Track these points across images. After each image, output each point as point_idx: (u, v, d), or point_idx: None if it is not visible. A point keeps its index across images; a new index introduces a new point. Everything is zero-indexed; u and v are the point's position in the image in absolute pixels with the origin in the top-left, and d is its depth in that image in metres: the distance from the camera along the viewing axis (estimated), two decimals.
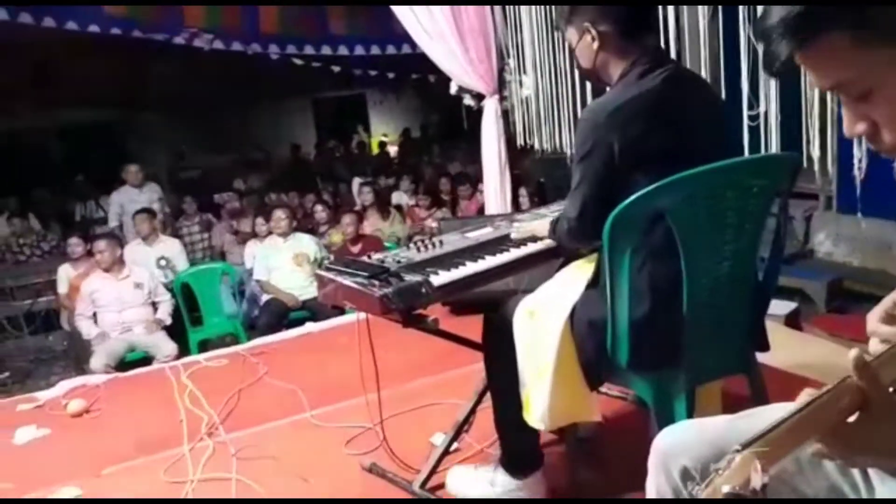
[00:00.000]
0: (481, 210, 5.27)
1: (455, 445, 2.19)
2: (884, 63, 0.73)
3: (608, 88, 1.71)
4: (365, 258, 2.02)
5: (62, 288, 5.36)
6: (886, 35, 0.72)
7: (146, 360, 4.26)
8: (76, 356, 5.24)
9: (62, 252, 6.06)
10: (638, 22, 1.69)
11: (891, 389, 0.74)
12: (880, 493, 0.92)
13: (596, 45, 1.67)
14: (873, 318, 0.96)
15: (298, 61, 7.47)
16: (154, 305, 4.61)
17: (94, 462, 2.48)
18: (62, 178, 9.39)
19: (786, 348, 2.56)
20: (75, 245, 5.28)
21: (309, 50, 7.54)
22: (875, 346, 0.97)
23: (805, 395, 0.73)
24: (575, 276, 1.77)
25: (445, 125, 12.32)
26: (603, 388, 2.28)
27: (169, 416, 2.77)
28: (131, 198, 6.13)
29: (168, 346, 4.31)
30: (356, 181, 7.92)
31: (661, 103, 1.55)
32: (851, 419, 0.71)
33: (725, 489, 0.59)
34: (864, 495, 0.97)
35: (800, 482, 1.00)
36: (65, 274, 5.33)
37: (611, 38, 1.66)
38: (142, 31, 6.72)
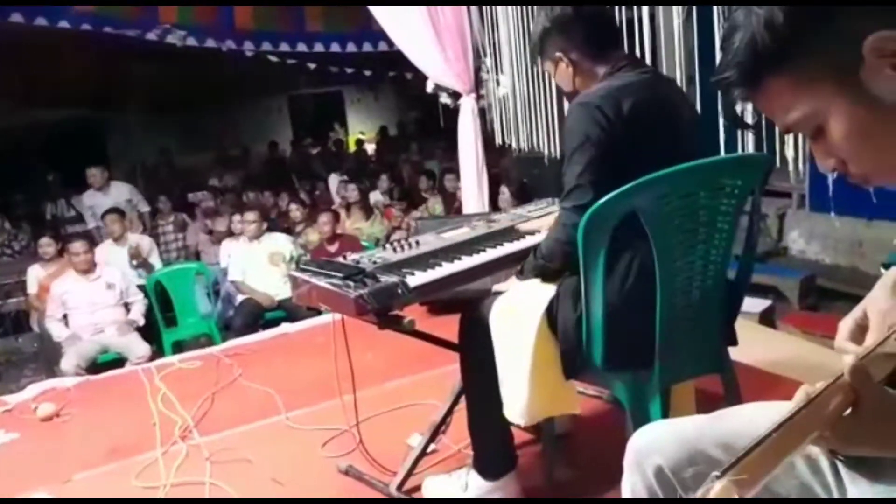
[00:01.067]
0: (459, 210, 5.25)
1: (432, 447, 2.18)
2: (825, 99, 0.74)
3: None
4: (340, 259, 2.00)
5: (32, 289, 5.25)
6: (820, 72, 0.73)
7: (119, 361, 4.19)
8: (46, 358, 5.13)
9: (32, 252, 5.94)
10: (603, 40, 1.77)
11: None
12: (851, 493, 0.93)
13: (570, 70, 1.77)
14: (842, 334, 0.96)
15: (274, 58, 7.39)
16: (126, 306, 4.54)
17: (65, 467, 2.43)
18: (33, 177, 9.21)
19: (760, 346, 2.58)
20: (46, 245, 5.17)
21: (285, 47, 7.47)
22: (848, 361, 0.98)
23: (795, 403, 0.74)
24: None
25: (423, 123, 12.29)
26: (579, 388, 2.29)
27: (141, 420, 2.72)
28: (96, 200, 6.04)
29: (141, 348, 4.25)
30: (333, 178, 7.86)
31: (642, 98, 1.59)
32: (845, 414, 0.73)
33: None
34: (836, 495, 0.98)
35: (771, 482, 1.00)
36: (34, 274, 5.22)
37: (582, 60, 1.75)
38: (114, 28, 6.61)
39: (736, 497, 0.61)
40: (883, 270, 0.97)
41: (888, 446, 0.78)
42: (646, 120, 1.58)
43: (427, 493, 1.98)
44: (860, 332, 0.93)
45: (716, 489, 0.61)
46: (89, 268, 4.40)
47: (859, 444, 0.75)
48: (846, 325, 0.94)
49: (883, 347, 0.82)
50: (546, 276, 1.73)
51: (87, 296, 4.39)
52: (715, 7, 3.06)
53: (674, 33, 3.26)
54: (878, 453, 0.83)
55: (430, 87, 4.07)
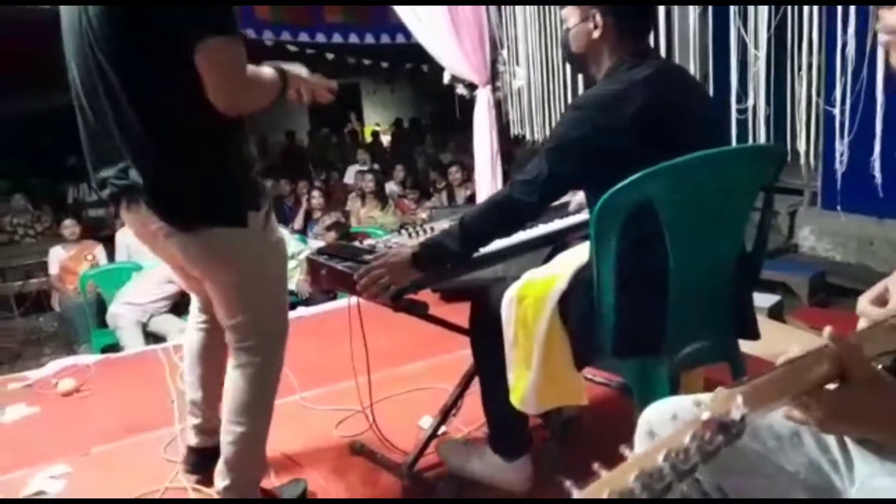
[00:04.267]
0: (473, 199, 5.29)
1: (443, 429, 2.22)
2: None
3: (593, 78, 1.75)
4: (356, 243, 2.05)
5: (53, 269, 5.37)
6: None
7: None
8: (67, 338, 5.24)
9: (55, 234, 6.05)
10: (642, 22, 1.73)
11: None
12: (860, 469, 0.94)
13: (596, 33, 1.68)
14: (864, 300, 1.00)
15: (293, 48, 7.44)
16: None
17: (83, 440, 2.50)
18: (56, 160, 9.33)
19: (769, 339, 2.60)
20: (72, 227, 5.28)
21: (303, 37, 7.52)
22: (864, 327, 1.01)
23: (785, 357, 0.76)
24: (565, 263, 1.80)
25: (439, 115, 12.32)
26: (588, 374, 2.33)
27: (160, 397, 2.79)
28: None
29: (180, 323, 4.34)
30: (353, 169, 7.91)
31: (647, 98, 1.57)
32: (831, 387, 0.74)
33: (705, 416, 0.62)
34: (844, 472, 0.99)
35: (780, 458, 1.03)
36: (56, 256, 5.33)
37: (611, 31, 1.66)
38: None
39: (739, 402, 0.63)
40: None
41: (873, 427, 0.78)
42: (658, 116, 1.57)
43: (443, 449, 2.04)
44: (879, 303, 0.96)
45: (721, 395, 0.65)
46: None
47: (845, 420, 0.76)
48: (867, 295, 0.97)
49: (894, 320, 0.85)
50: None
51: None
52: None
53: (689, 29, 3.27)
54: (862, 433, 0.84)
55: (446, 79, 4.11)
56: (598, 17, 1.66)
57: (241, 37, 1.54)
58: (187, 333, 2.08)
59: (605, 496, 0.59)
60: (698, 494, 1.09)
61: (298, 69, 1.81)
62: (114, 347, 4.37)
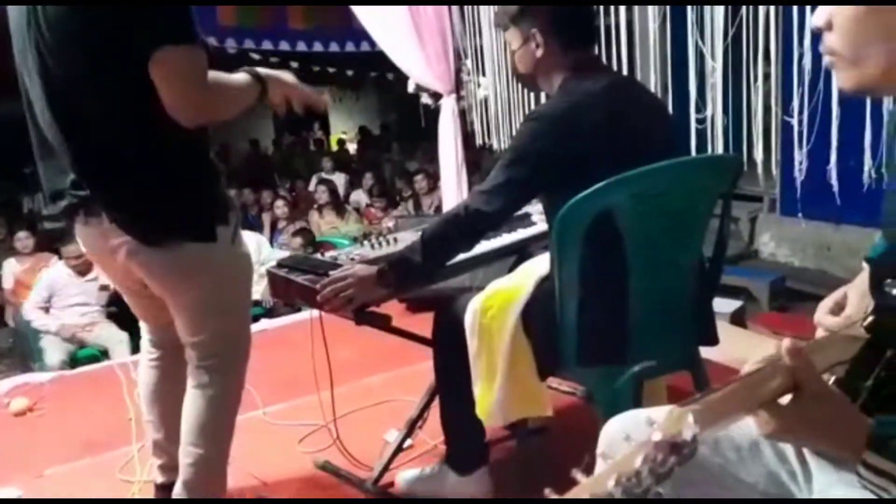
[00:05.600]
0: (440, 209, 5.29)
1: (409, 442, 2.20)
2: None
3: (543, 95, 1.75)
4: (318, 255, 2.02)
5: (7, 283, 5.20)
6: None
7: (96, 358, 4.16)
8: (21, 354, 5.07)
9: (8, 247, 5.86)
10: (583, 34, 1.73)
11: (828, 377, 0.78)
12: (818, 480, 0.95)
13: (539, 52, 1.69)
14: (822, 309, 1.01)
15: (256, 56, 7.37)
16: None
17: (37, 462, 2.41)
18: (9, 170, 9.07)
19: (731, 345, 2.64)
20: (25, 239, 5.12)
21: (267, 45, 7.46)
22: (821, 335, 1.02)
23: (745, 370, 0.77)
24: (528, 273, 1.80)
25: (405, 124, 12.32)
26: (553, 384, 2.33)
27: (117, 415, 2.70)
28: None
29: (119, 333, 4.21)
30: (318, 177, 7.86)
31: (605, 108, 1.58)
32: (784, 400, 0.74)
33: (657, 437, 0.62)
34: (802, 482, 1.01)
35: (739, 470, 1.04)
36: (10, 269, 5.17)
37: (555, 48, 1.68)
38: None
39: (691, 422, 0.63)
40: (864, 265, 1.01)
41: (823, 440, 0.79)
42: (616, 126, 1.58)
43: (400, 486, 2.00)
44: (839, 310, 0.97)
45: (673, 415, 0.64)
46: (86, 269, 4.32)
47: (797, 433, 0.76)
48: (826, 303, 0.98)
49: (850, 330, 0.85)
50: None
51: (79, 295, 4.34)
52: (689, 12, 3.13)
53: (649, 40, 3.32)
54: (814, 445, 0.85)
55: (411, 88, 4.10)
56: (539, 37, 1.67)
57: (201, 43, 1.48)
58: (140, 371, 1.98)
59: None
60: None
61: (285, 76, 1.76)
62: (72, 363, 4.26)
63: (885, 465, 0.70)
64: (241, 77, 1.64)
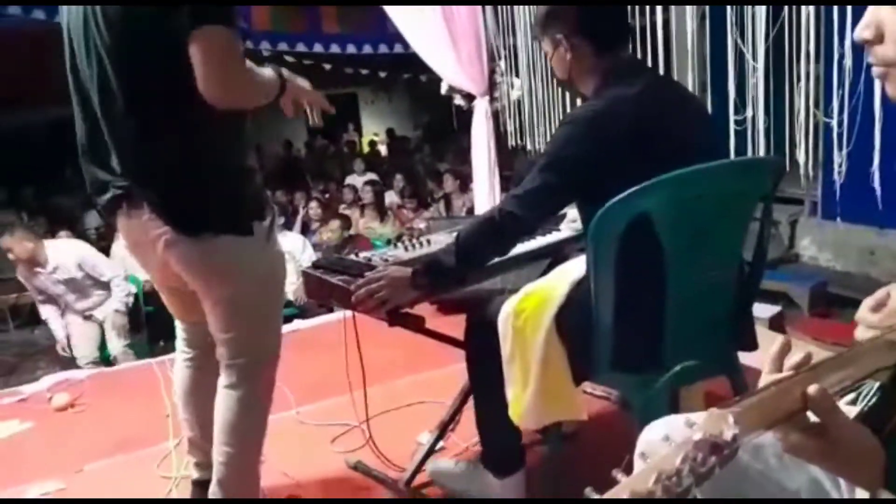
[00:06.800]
0: (471, 210, 5.28)
1: (441, 444, 2.20)
2: None
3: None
4: (352, 256, 2.03)
5: None
6: None
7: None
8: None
9: None
10: (612, 35, 1.70)
11: (837, 389, 0.76)
12: (861, 491, 0.94)
13: (569, 56, 1.68)
14: (864, 307, 0.99)
15: (290, 58, 7.46)
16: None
17: (77, 457, 2.47)
18: (51, 171, 9.32)
19: (769, 351, 2.59)
20: (66, 238, 5.26)
21: (301, 47, 7.54)
22: (861, 334, 1.00)
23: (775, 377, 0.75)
24: (563, 275, 1.78)
25: (437, 126, 12.35)
26: (587, 388, 2.30)
27: (155, 412, 2.76)
28: None
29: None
30: (354, 178, 7.91)
31: (641, 111, 1.56)
32: (812, 422, 0.72)
33: (697, 436, 0.61)
34: (845, 490, 0.99)
35: (782, 477, 1.02)
36: None
37: (584, 51, 1.67)
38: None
39: (731, 422, 0.62)
40: None
41: (840, 473, 0.78)
42: (652, 129, 1.56)
43: (434, 471, 2.00)
44: (878, 309, 0.95)
45: (713, 415, 0.63)
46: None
47: (813, 460, 0.75)
48: (868, 301, 0.95)
49: (892, 335, 0.83)
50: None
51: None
52: (728, 11, 3.08)
53: (687, 40, 3.27)
54: (830, 472, 0.84)
55: (444, 89, 4.10)
56: (567, 42, 1.67)
57: (239, 31, 1.51)
58: (176, 370, 2.01)
59: None
60: None
61: (302, 81, 1.78)
62: (108, 360, 4.35)
63: None
64: (267, 70, 1.66)
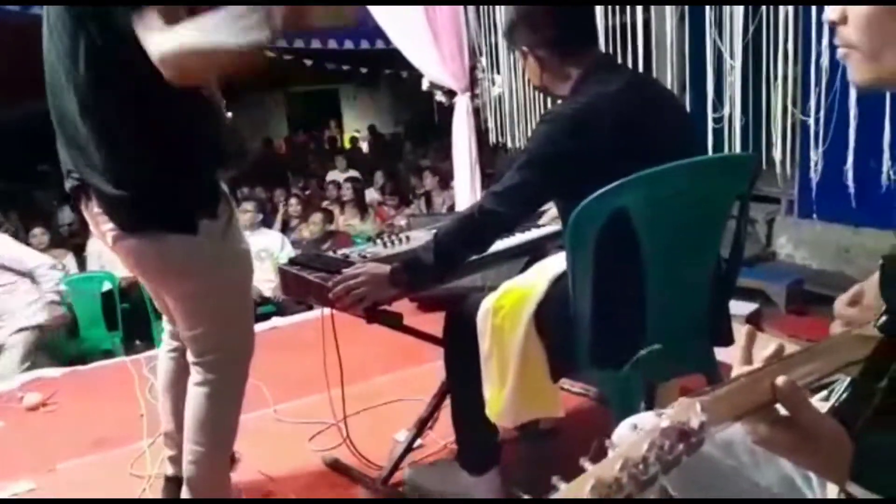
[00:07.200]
0: (452, 207, 5.28)
1: (419, 442, 2.19)
2: None
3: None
4: (330, 253, 2.01)
5: None
6: None
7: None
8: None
9: (23, 242, 5.90)
10: (576, 41, 1.68)
11: (806, 382, 0.76)
12: (832, 487, 0.94)
13: (538, 66, 1.70)
14: (841, 303, 0.99)
15: (271, 54, 7.39)
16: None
17: (49, 456, 2.42)
18: (25, 167, 9.16)
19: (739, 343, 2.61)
20: (40, 235, 5.17)
21: (281, 43, 7.47)
22: (836, 330, 1.00)
23: (748, 368, 0.76)
24: (542, 272, 1.78)
25: (419, 123, 12.33)
26: (565, 385, 2.31)
27: (129, 411, 2.72)
28: None
29: None
30: (332, 174, 7.85)
31: (621, 108, 1.56)
32: (781, 415, 0.72)
33: (665, 423, 0.60)
34: (817, 486, 0.99)
35: (754, 473, 1.02)
36: None
37: (552, 60, 1.68)
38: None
39: (699, 410, 0.61)
40: (881, 261, 1.00)
41: (808, 466, 0.78)
42: (631, 126, 1.56)
43: (409, 477, 1.98)
44: (854, 304, 0.96)
45: (682, 404, 0.63)
46: None
47: (782, 452, 0.75)
48: (843, 297, 0.96)
49: (863, 330, 0.83)
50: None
51: None
52: (707, 10, 3.09)
53: (666, 39, 3.29)
54: (797, 465, 0.86)
55: (425, 85, 4.09)
56: (532, 54, 1.69)
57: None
58: (160, 362, 2.00)
59: None
60: None
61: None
62: (83, 358, 4.26)
63: (864, 494, 0.70)
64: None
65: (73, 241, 5.87)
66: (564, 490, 0.58)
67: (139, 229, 1.58)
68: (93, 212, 1.62)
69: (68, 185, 1.64)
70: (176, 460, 1.95)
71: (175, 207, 1.59)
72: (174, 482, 1.95)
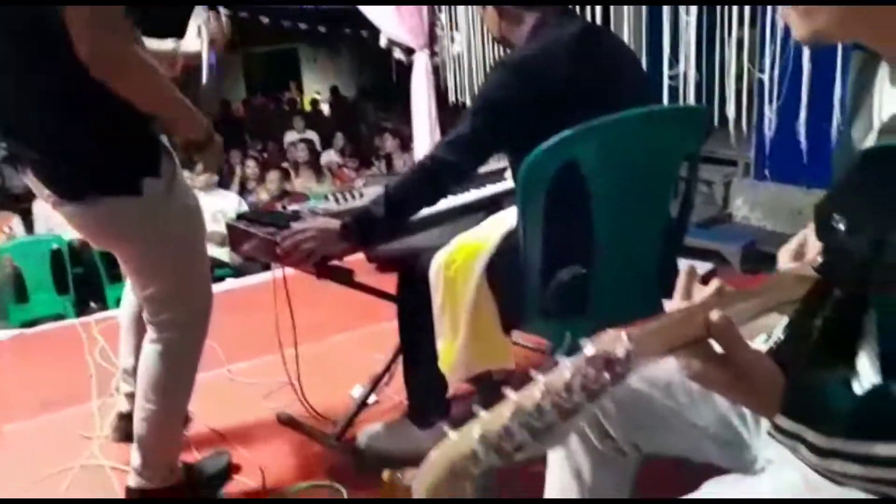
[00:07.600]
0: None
1: (374, 398, 2.19)
2: None
3: None
4: (279, 208, 1.97)
5: None
6: None
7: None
8: None
9: None
10: None
11: (742, 318, 0.75)
12: (766, 423, 0.96)
13: (496, 15, 1.69)
14: (784, 256, 1.00)
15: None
16: None
17: None
18: None
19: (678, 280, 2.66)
20: None
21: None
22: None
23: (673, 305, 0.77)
24: (494, 226, 1.77)
25: (380, 84, 12.13)
26: (519, 341, 2.32)
27: (78, 372, 2.66)
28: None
29: None
30: (290, 135, 7.70)
31: (574, 55, 1.55)
32: (715, 352, 0.71)
33: (589, 351, 0.60)
34: (751, 425, 1.02)
35: (692, 414, 1.04)
36: None
37: (511, 11, 1.67)
38: None
39: (625, 340, 0.61)
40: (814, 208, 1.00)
41: (741, 401, 0.79)
42: (585, 74, 1.54)
43: (361, 441, 1.98)
44: (799, 258, 0.97)
45: (609, 334, 0.62)
46: None
47: (715, 387, 0.74)
48: (786, 250, 0.97)
49: (800, 270, 0.84)
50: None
51: None
52: None
53: None
54: (730, 400, 0.88)
55: (383, 42, 4.01)
56: (492, 5, 1.68)
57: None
58: (124, 298, 1.98)
59: (477, 436, 0.56)
60: (613, 452, 1.09)
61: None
62: (33, 323, 4.15)
63: (792, 427, 0.70)
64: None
65: (21, 205, 5.67)
66: (484, 416, 0.57)
67: (78, 196, 1.52)
68: (31, 178, 1.55)
69: (2, 153, 1.59)
70: (132, 397, 1.90)
71: (114, 169, 1.52)
72: (128, 419, 1.93)
